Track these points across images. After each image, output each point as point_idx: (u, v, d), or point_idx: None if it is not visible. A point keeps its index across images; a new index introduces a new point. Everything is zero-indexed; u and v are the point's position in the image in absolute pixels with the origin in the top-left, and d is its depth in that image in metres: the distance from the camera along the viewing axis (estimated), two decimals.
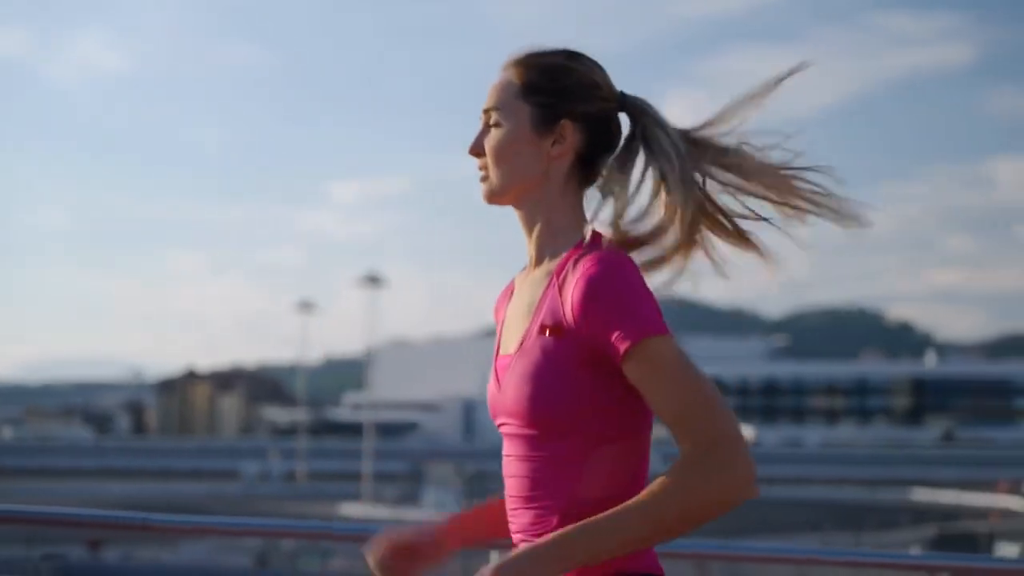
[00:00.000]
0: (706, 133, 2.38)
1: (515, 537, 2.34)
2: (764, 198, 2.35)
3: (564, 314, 2.24)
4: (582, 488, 2.25)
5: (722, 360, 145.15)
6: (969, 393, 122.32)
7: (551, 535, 2.16)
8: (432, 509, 59.17)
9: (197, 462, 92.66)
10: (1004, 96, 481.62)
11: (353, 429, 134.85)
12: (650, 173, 2.37)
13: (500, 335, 2.45)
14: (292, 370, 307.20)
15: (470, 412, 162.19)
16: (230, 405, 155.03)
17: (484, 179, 2.40)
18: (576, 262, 2.27)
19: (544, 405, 2.24)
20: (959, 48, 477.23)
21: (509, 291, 2.51)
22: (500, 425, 2.36)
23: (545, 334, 2.26)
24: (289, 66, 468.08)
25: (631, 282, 2.21)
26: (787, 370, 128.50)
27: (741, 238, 2.37)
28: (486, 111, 2.41)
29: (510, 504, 2.35)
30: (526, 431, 2.28)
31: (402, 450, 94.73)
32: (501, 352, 2.42)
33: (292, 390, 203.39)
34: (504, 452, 2.34)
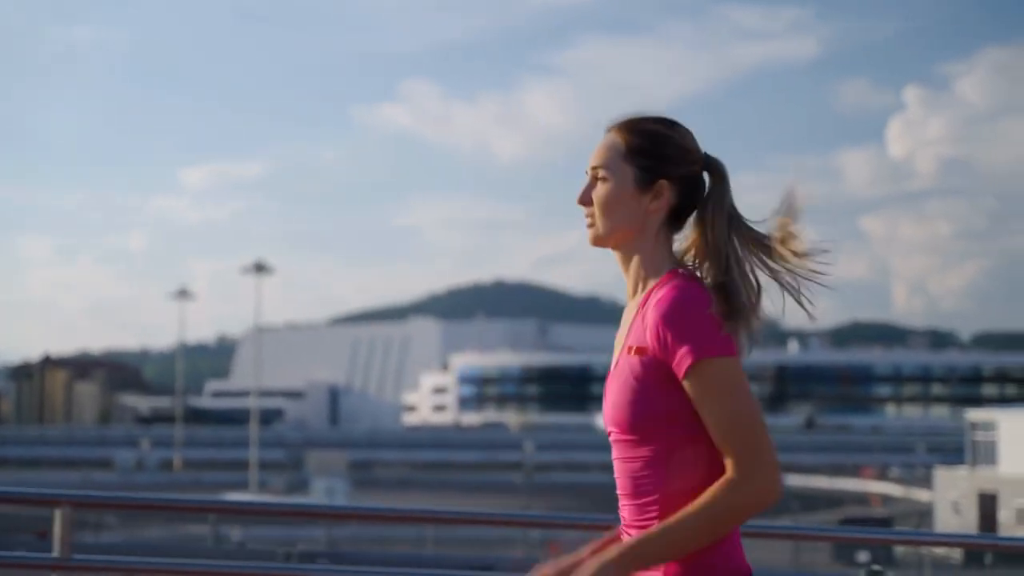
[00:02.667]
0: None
1: (624, 530, 2.87)
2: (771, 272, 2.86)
3: (645, 337, 2.72)
4: (671, 483, 2.74)
5: (591, 349, 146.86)
6: (830, 380, 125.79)
7: (629, 541, 2.68)
8: (322, 497, 59.07)
9: (64, 451, 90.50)
10: (851, 89, 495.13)
11: (218, 417, 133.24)
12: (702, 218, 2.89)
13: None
14: (142, 356, 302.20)
15: (335, 399, 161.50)
16: (88, 392, 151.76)
17: (591, 226, 2.90)
18: (656, 292, 2.77)
19: (632, 413, 2.74)
20: (804, 42, 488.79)
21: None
22: (609, 433, 2.83)
23: (632, 354, 2.75)
24: (135, 48, 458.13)
25: (697, 307, 2.70)
26: None
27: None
28: (594, 168, 2.89)
29: (620, 501, 2.84)
30: (624, 437, 2.78)
31: (280, 438, 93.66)
32: (612, 367, 2.92)
33: (149, 378, 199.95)
34: (613, 456, 2.84)
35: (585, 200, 2.90)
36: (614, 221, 2.86)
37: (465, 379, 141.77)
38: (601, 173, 2.88)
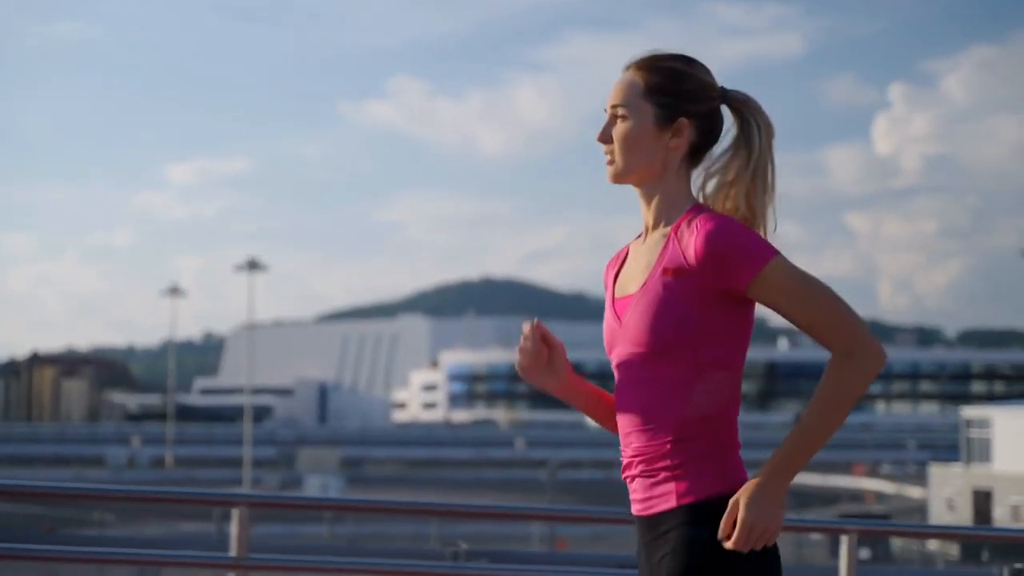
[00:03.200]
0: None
1: (630, 460, 2.91)
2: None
3: (686, 260, 2.79)
4: (690, 408, 2.80)
5: (580, 346, 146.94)
6: (819, 378, 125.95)
7: (779, 453, 2.73)
8: (318, 494, 59.08)
9: (55, 448, 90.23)
10: (837, 86, 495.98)
11: (207, 415, 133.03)
12: (736, 152, 2.96)
13: (613, 288, 3.02)
14: (128, 353, 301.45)
15: (324, 396, 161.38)
16: (77, 390, 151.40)
17: (610, 163, 2.94)
18: (690, 222, 2.82)
19: (663, 328, 2.78)
20: (789, 39, 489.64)
21: (621, 255, 3.08)
22: (620, 356, 2.87)
23: (668, 275, 2.81)
24: (120, 44, 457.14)
25: (740, 227, 2.78)
26: None
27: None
28: (614, 106, 2.93)
29: (623, 430, 2.91)
30: (646, 351, 2.81)
31: (271, 436, 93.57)
32: (617, 297, 2.97)
33: (136, 375, 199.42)
34: (617, 383, 2.93)
35: (605, 138, 2.94)
36: (634, 159, 2.90)
37: (455, 376, 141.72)
38: (621, 111, 2.92)
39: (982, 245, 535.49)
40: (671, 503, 2.79)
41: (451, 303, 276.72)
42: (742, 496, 2.70)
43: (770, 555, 2.78)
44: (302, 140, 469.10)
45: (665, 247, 2.84)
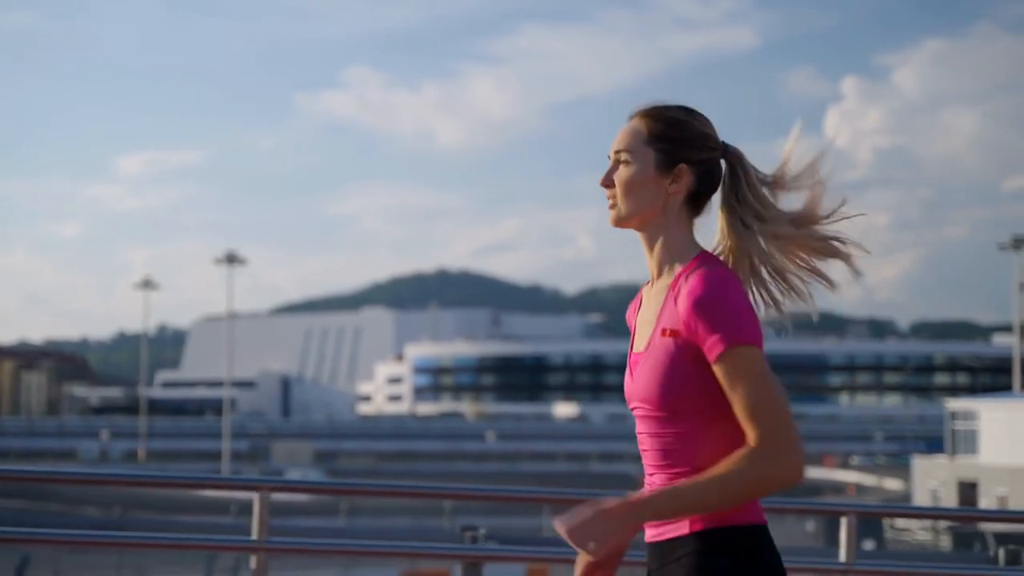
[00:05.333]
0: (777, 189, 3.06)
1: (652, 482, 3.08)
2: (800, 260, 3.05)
3: (678, 321, 2.87)
4: (700, 457, 2.90)
5: (544, 339, 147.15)
6: (786, 369, 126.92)
7: (653, 492, 2.84)
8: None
9: (25, 442, 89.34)
10: (790, 79, 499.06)
11: (170, 407, 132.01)
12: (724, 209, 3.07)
13: (633, 337, 3.17)
14: (82, 346, 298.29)
15: (287, 389, 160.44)
16: (37, 383, 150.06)
17: (613, 207, 3.04)
18: (687, 277, 2.91)
19: (666, 392, 2.89)
20: (742, 32, 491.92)
21: (638, 301, 3.21)
22: (634, 409, 2.99)
23: (666, 336, 2.91)
24: (72, 36, 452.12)
25: (729, 295, 2.85)
26: (612, 348, 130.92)
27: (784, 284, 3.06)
28: (617, 152, 3.04)
29: (647, 471, 3.00)
30: (654, 413, 2.93)
31: (242, 428, 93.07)
32: (634, 351, 3.12)
33: (93, 367, 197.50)
34: (637, 430, 3.01)
35: (608, 182, 3.04)
36: (635, 203, 3.00)
37: (420, 369, 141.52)
38: (624, 156, 3.02)
39: (934, 237, 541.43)
40: (684, 530, 2.90)
41: (406, 295, 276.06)
42: (603, 504, 2.81)
43: None
44: (257, 132, 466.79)
45: (665, 303, 2.94)
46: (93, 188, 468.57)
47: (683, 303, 2.86)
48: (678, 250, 2.99)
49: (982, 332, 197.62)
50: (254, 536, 6.00)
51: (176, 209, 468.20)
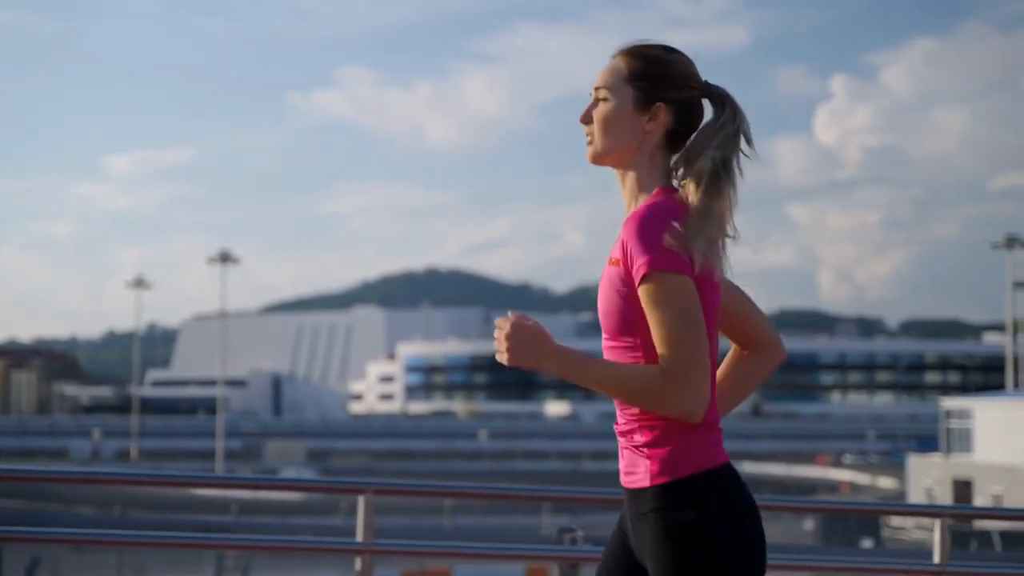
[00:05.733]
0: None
1: (617, 431, 3.10)
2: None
3: (619, 248, 2.91)
4: None
5: None
6: (777, 368, 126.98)
7: (575, 356, 2.86)
8: None
9: (17, 442, 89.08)
10: (780, 78, 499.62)
11: (161, 407, 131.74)
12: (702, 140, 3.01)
13: None
14: (71, 344, 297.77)
15: (278, 387, 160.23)
16: (27, 382, 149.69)
17: (590, 143, 3.05)
18: (636, 208, 2.96)
19: (609, 318, 2.95)
20: (733, 30, 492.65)
21: None
22: (603, 340, 3.02)
23: (611, 265, 2.94)
24: (62, 34, 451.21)
25: (657, 223, 2.86)
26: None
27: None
28: (596, 88, 3.05)
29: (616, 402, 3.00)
30: (607, 341, 2.98)
31: (235, 427, 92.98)
32: None
33: (89, 367, 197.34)
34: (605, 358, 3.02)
35: (586, 119, 3.05)
36: (611, 139, 3.00)
37: (412, 368, 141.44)
38: (602, 93, 3.03)
39: (923, 236, 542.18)
40: (645, 482, 2.93)
41: (396, 294, 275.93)
42: (540, 331, 2.87)
43: (757, 539, 2.93)
44: (249, 130, 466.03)
45: (620, 233, 2.97)
46: (84, 187, 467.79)
47: (622, 232, 2.90)
48: (646, 184, 3.00)
49: (972, 331, 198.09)
50: (359, 539, 6.00)
51: (166, 208, 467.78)
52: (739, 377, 3.23)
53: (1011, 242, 60.28)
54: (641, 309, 2.88)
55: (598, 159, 3.02)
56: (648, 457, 2.93)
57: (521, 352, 2.86)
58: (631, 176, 3.01)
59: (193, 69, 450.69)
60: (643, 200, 2.98)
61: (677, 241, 2.84)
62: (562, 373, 2.87)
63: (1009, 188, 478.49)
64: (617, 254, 2.91)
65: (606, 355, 2.97)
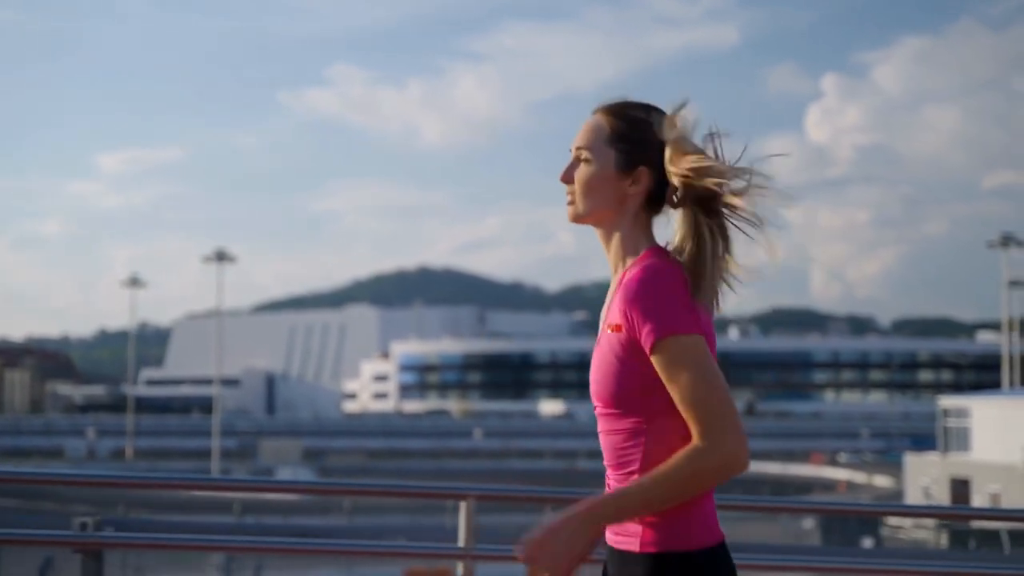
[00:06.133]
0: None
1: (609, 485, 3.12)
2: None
3: (620, 314, 2.83)
4: (651, 454, 2.84)
5: (530, 337, 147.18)
6: (771, 367, 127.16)
7: (597, 497, 2.80)
8: None
9: (12, 441, 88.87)
10: (771, 76, 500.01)
11: (155, 406, 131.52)
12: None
13: None
14: (63, 343, 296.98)
15: (272, 386, 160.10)
16: (20, 381, 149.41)
17: (571, 203, 3.00)
18: (630, 271, 2.89)
19: (611, 388, 2.86)
20: (724, 29, 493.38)
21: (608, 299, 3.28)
22: (595, 408, 2.95)
23: (611, 331, 2.87)
24: (53, 32, 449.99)
25: (663, 285, 2.81)
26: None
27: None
28: (578, 148, 2.99)
29: (607, 472, 2.95)
30: (605, 410, 2.89)
31: (230, 427, 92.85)
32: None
33: (81, 366, 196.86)
34: (598, 429, 2.96)
35: (567, 179, 3.00)
36: (593, 201, 2.96)
37: (406, 366, 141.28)
38: (584, 155, 2.97)
39: (914, 235, 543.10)
40: (634, 547, 2.86)
41: (389, 293, 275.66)
42: (556, 520, 2.79)
43: None
44: (240, 129, 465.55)
45: (614, 298, 2.91)
46: (75, 185, 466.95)
47: (620, 297, 2.84)
48: (632, 246, 2.95)
49: (963, 329, 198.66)
50: (461, 544, 6.01)
51: (158, 207, 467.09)
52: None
53: (1006, 241, 60.43)
54: (639, 376, 2.83)
55: (579, 219, 2.99)
56: (641, 523, 2.86)
57: (558, 556, 2.78)
58: (616, 237, 2.98)
59: (184, 68, 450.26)
60: (631, 262, 2.93)
61: (683, 302, 2.80)
62: (609, 522, 2.81)
63: (1000, 187, 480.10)
64: (618, 320, 2.85)
65: (600, 423, 2.93)
